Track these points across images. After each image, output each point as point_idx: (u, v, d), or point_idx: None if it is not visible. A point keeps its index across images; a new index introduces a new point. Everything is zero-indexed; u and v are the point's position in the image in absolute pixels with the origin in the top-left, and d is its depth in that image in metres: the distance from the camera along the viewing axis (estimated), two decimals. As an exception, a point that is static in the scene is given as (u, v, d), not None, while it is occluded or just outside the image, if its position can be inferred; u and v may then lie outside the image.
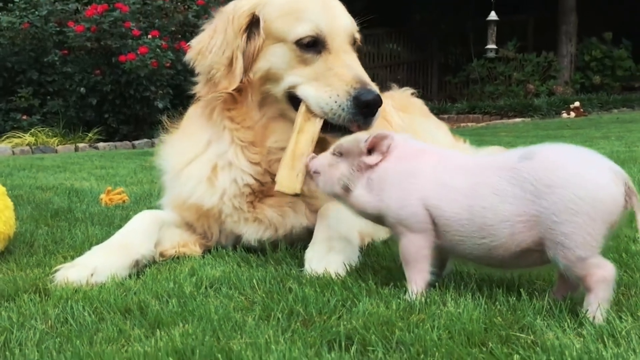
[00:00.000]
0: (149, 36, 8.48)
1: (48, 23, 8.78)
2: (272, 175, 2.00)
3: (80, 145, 8.23)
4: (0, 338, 1.32)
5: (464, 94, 14.63)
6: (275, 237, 2.06)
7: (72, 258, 1.94)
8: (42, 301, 1.58)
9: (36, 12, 8.74)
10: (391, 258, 1.85)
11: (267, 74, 1.99)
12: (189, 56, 2.11)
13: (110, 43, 8.41)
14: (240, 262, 1.93)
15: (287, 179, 1.84)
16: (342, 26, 2.01)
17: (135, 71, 8.20)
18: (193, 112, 2.25)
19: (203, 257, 2.05)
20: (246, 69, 2.00)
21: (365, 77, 1.93)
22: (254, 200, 2.07)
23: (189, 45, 2.15)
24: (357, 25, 2.10)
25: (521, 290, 1.46)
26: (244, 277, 1.72)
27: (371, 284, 1.58)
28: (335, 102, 1.87)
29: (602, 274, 1.31)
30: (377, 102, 1.87)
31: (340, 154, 1.62)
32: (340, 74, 1.90)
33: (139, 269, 1.89)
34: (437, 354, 1.17)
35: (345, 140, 1.63)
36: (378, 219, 1.59)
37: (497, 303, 1.42)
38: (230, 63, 1.98)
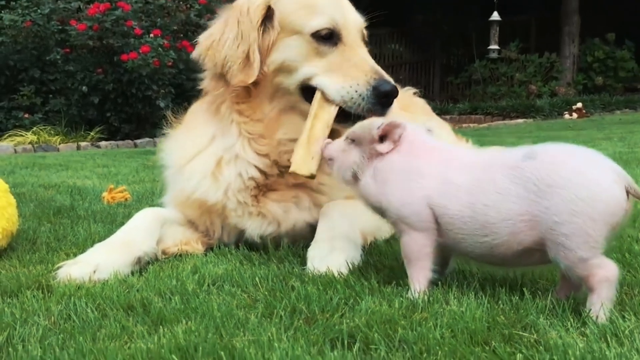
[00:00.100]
0: (151, 35, 8.47)
1: (50, 21, 8.78)
2: (281, 167, 2.03)
3: (82, 143, 8.23)
4: (4, 334, 1.33)
5: (466, 94, 14.63)
6: (277, 233, 2.06)
7: (75, 255, 1.94)
8: (44, 298, 1.58)
9: (38, 11, 8.73)
10: (393, 257, 1.85)
11: (282, 66, 2.01)
12: (197, 51, 2.11)
13: (113, 42, 8.41)
14: (242, 259, 1.93)
15: (303, 161, 1.86)
16: (354, 21, 2.07)
17: (137, 70, 8.19)
18: (197, 108, 2.25)
19: (205, 254, 2.05)
20: (260, 62, 2.01)
21: (381, 69, 1.97)
22: (258, 195, 2.08)
23: (195, 42, 2.15)
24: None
25: (524, 289, 1.46)
26: (246, 275, 1.72)
27: (374, 282, 1.58)
28: (356, 91, 1.91)
29: (604, 274, 1.31)
30: (394, 93, 1.93)
31: (352, 140, 1.62)
32: (358, 65, 1.96)
33: (141, 266, 1.89)
34: (439, 352, 1.16)
35: (359, 126, 1.63)
36: (381, 211, 1.58)
37: (500, 302, 1.41)
38: (247, 57, 1.99)
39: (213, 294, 1.58)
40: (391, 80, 1.96)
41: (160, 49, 8.31)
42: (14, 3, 8.89)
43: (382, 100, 1.91)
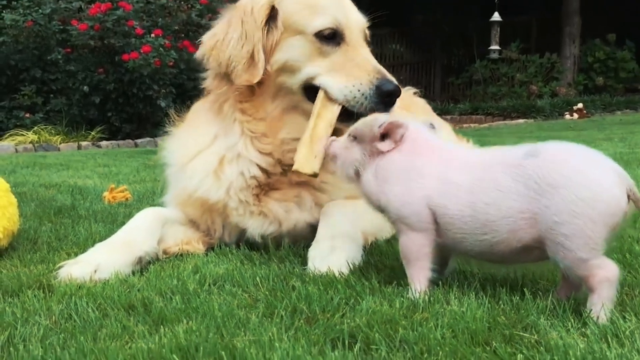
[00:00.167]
0: (152, 35, 8.48)
1: (51, 21, 8.78)
2: (284, 166, 2.03)
3: (83, 143, 8.24)
4: (5, 333, 1.33)
5: (467, 95, 14.62)
6: (278, 233, 2.07)
7: (76, 255, 1.95)
8: (46, 297, 1.58)
9: (40, 10, 8.74)
10: (394, 257, 1.85)
11: (285, 65, 2.02)
12: (201, 51, 2.12)
13: (114, 42, 8.41)
14: (243, 259, 1.94)
15: (306, 160, 1.87)
16: (356, 21, 2.08)
17: (138, 70, 8.20)
18: (200, 106, 2.26)
19: (206, 254, 2.05)
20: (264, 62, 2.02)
21: (384, 69, 1.98)
22: (260, 194, 2.08)
23: (199, 41, 2.16)
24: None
25: (525, 289, 1.46)
26: (247, 275, 1.72)
27: (374, 282, 1.58)
28: (359, 90, 1.92)
29: (604, 275, 1.31)
30: (397, 93, 1.95)
31: (355, 137, 1.62)
32: (361, 65, 1.97)
33: (142, 266, 1.89)
34: (440, 352, 1.17)
35: (362, 122, 1.63)
36: (381, 210, 1.58)
37: (500, 302, 1.42)
38: (251, 56, 2.00)
39: (214, 293, 1.58)
40: (394, 80, 1.97)
41: (161, 48, 8.31)
42: (15, 3, 8.89)
43: (384, 99, 1.92)
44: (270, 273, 1.74)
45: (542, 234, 1.35)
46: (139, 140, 8.57)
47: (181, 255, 2.06)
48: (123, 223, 2.16)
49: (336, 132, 1.89)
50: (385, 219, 1.61)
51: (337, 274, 1.67)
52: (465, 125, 11.37)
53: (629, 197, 1.32)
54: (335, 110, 1.94)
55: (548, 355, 1.15)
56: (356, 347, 1.21)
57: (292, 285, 1.61)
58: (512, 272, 1.62)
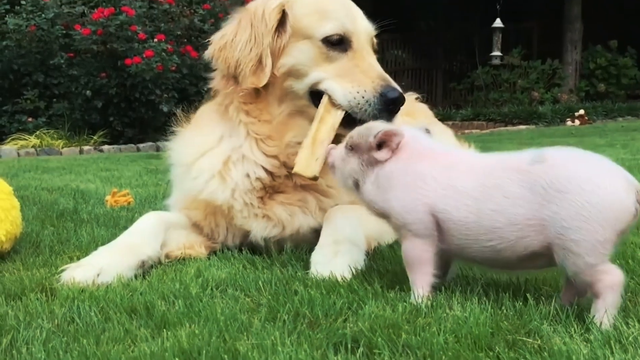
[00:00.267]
0: (155, 40, 8.50)
1: (55, 26, 8.80)
2: (289, 168, 2.03)
3: (85, 147, 8.25)
4: (7, 337, 1.33)
5: (469, 100, 14.62)
6: (281, 236, 2.07)
7: (78, 258, 1.95)
8: (48, 300, 1.59)
9: (43, 15, 8.76)
10: (397, 261, 1.85)
11: (291, 70, 2.02)
12: (209, 51, 2.13)
13: (116, 46, 8.43)
14: (246, 264, 1.94)
15: (307, 162, 1.88)
16: (364, 28, 2.09)
17: (140, 74, 8.22)
18: (207, 108, 2.27)
19: (209, 258, 2.05)
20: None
21: (389, 77, 1.99)
22: (264, 196, 2.08)
23: (208, 41, 2.17)
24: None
25: (528, 295, 1.46)
26: (249, 279, 1.72)
27: (377, 287, 1.58)
28: (363, 97, 1.93)
29: (610, 280, 1.30)
30: (401, 100, 1.96)
31: (351, 147, 1.61)
32: (366, 71, 1.98)
33: (145, 269, 1.89)
34: (443, 357, 1.16)
35: (356, 133, 1.61)
36: (384, 217, 1.58)
37: (503, 307, 1.41)
38: (259, 60, 2.01)
39: (216, 297, 1.58)
40: (398, 87, 1.97)
41: (163, 53, 8.33)
42: (18, 7, 8.92)
43: (388, 107, 1.93)
44: (272, 277, 1.74)
45: (550, 240, 1.34)
46: (141, 145, 8.59)
47: (183, 259, 2.06)
48: (125, 227, 2.16)
49: (338, 138, 1.89)
50: (388, 225, 1.61)
51: (339, 279, 1.67)
52: (466, 131, 11.37)
53: (637, 201, 1.31)
54: (339, 115, 1.94)
55: (551, 360, 1.14)
56: (359, 351, 1.21)
57: (294, 289, 1.61)
58: (515, 278, 1.62)
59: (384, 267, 1.83)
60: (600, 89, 13.73)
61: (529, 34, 14.94)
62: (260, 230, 2.06)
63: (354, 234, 1.91)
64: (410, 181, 1.50)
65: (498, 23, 13.11)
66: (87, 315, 1.45)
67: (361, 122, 1.88)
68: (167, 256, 2.04)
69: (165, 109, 8.35)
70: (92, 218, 2.81)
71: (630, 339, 1.22)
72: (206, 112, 2.26)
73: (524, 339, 1.24)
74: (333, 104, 1.96)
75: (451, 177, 1.47)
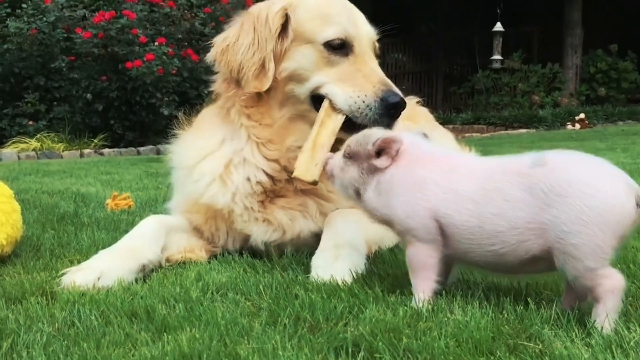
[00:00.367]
0: (156, 43, 8.51)
1: (56, 29, 8.82)
2: (290, 173, 2.03)
3: (86, 151, 8.26)
4: (8, 340, 1.33)
5: (469, 104, 14.63)
6: (282, 240, 2.07)
7: (79, 262, 1.95)
8: (49, 304, 1.59)
9: (44, 18, 8.78)
10: (398, 265, 1.85)
11: (293, 74, 2.03)
12: (212, 54, 2.13)
13: (117, 50, 8.45)
14: (246, 267, 1.93)
15: (306, 167, 1.88)
16: (366, 32, 2.09)
17: (141, 78, 8.23)
18: (208, 111, 2.27)
19: (209, 262, 2.05)
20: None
21: (390, 82, 1.99)
22: (265, 200, 2.08)
23: (210, 44, 2.17)
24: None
25: (529, 299, 1.45)
26: (250, 283, 1.72)
27: (378, 291, 1.58)
28: (364, 101, 1.93)
29: (611, 284, 1.30)
30: (402, 105, 1.96)
31: (349, 156, 1.61)
32: (368, 76, 1.98)
33: (145, 273, 1.89)
34: (444, 361, 1.16)
35: (354, 141, 1.60)
36: (387, 224, 1.58)
37: (504, 312, 1.41)
38: (262, 64, 2.01)
39: (217, 301, 1.58)
40: (400, 92, 1.97)
41: (164, 57, 8.35)
42: (19, 11, 8.93)
43: (389, 112, 1.93)
44: (273, 281, 1.74)
45: (550, 244, 1.34)
46: (141, 148, 8.59)
47: (184, 263, 2.06)
48: (126, 230, 2.16)
49: (339, 142, 1.89)
50: (390, 230, 1.61)
51: (340, 283, 1.66)
52: (467, 134, 11.37)
53: (637, 205, 1.31)
54: (339, 119, 1.95)
55: (552, 365, 1.14)
56: (360, 355, 1.21)
57: (295, 293, 1.61)
58: (516, 282, 1.62)
59: (384, 271, 1.83)
60: (601, 92, 13.75)
61: (529, 38, 14.96)
62: (260, 234, 2.06)
63: (354, 238, 1.91)
64: (411, 186, 1.50)
65: (498, 27, 13.14)
66: (88, 319, 1.45)
67: (362, 126, 1.88)
68: (167, 260, 2.04)
69: (165, 113, 8.36)
70: (93, 221, 2.81)
71: (631, 343, 1.22)
72: (208, 115, 2.26)
73: (525, 343, 1.24)
74: (334, 108, 1.96)
75: (452, 181, 1.47)
